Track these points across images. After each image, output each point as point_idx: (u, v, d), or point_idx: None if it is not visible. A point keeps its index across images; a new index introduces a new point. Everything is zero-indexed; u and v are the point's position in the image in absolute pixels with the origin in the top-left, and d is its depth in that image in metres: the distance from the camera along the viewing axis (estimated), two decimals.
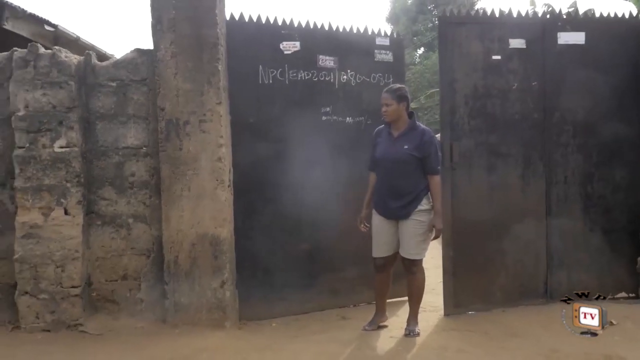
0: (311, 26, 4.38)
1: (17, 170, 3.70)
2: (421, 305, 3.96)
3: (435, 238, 3.81)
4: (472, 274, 4.27)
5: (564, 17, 4.49)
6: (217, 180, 3.75)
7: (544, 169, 4.37)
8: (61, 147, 3.71)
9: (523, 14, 4.42)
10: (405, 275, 3.91)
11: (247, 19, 4.17)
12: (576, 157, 4.41)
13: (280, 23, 4.26)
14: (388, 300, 4.10)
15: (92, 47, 6.23)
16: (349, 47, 4.51)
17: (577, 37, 4.40)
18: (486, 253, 4.30)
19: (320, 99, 4.42)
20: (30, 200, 3.68)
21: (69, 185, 3.71)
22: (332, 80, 4.46)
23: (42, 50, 3.75)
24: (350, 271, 4.51)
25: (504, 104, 4.31)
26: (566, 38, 4.38)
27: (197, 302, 3.77)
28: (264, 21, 4.22)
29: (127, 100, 3.87)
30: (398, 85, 3.89)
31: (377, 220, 3.87)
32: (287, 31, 4.29)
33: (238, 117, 4.07)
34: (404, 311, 4.08)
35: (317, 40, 4.39)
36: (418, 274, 3.81)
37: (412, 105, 15.46)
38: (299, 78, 4.33)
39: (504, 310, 4.22)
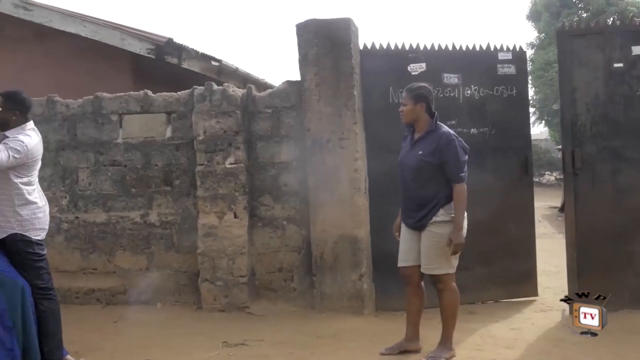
0: (436, 48, 4.86)
1: (198, 183, 4.68)
2: (548, 304, 4.15)
3: (453, 254, 3.43)
4: (598, 275, 4.40)
5: None
6: (354, 188, 4.41)
7: None
8: (231, 164, 4.62)
9: None
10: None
11: (377, 47, 4.78)
12: None
13: (407, 48, 4.80)
14: None
15: (248, 75, 7.28)
16: (472, 63, 4.90)
17: None
18: (612, 255, 4.42)
19: (445, 112, 4.82)
20: (209, 206, 4.64)
21: (237, 194, 4.61)
22: (456, 95, 4.88)
23: (215, 87, 4.70)
24: (477, 269, 4.87)
25: (628, 110, 4.42)
26: None
27: (339, 291, 4.45)
28: (392, 47, 4.79)
29: (280, 124, 4.70)
30: (418, 84, 3.60)
31: (403, 228, 3.64)
32: (413, 54, 4.81)
33: (372, 133, 4.68)
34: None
35: (442, 60, 4.85)
36: (445, 291, 3.47)
37: (554, 106, 14.89)
38: None
39: (630, 311, 4.32)
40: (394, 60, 4.77)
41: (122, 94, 4.96)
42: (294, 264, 4.68)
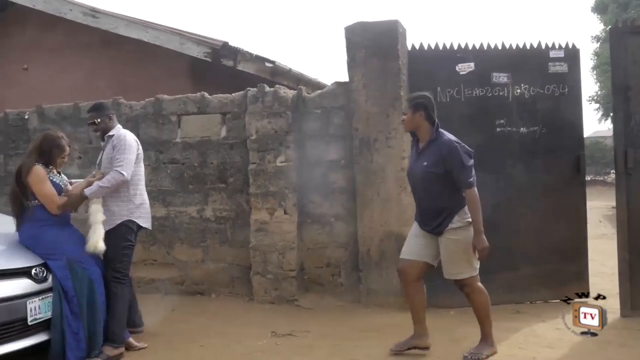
0: (484, 47, 4.87)
1: (251, 180, 4.90)
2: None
3: (482, 258, 3.46)
4: None
5: None
6: (400, 187, 4.50)
7: None
8: (281, 162, 4.81)
9: None
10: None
11: (425, 48, 4.84)
12: None
13: (455, 48, 4.84)
14: None
15: (301, 75, 7.47)
16: (522, 62, 4.87)
17: None
18: None
19: (494, 112, 4.87)
20: (261, 203, 4.85)
21: (287, 191, 4.80)
22: (505, 94, 4.87)
23: (267, 88, 4.90)
24: (525, 269, 4.86)
25: None
26: None
27: (385, 287, 4.55)
28: (440, 48, 4.83)
29: (329, 124, 4.85)
30: (417, 94, 3.56)
31: (415, 225, 3.67)
32: (461, 54, 4.84)
33: None
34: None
35: (491, 59, 4.85)
36: (473, 294, 3.51)
37: None
38: (474, 95, 4.84)
39: None
40: (442, 61, 4.81)
41: (181, 95, 5.25)
42: (341, 260, 4.82)
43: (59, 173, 3.83)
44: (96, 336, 3.55)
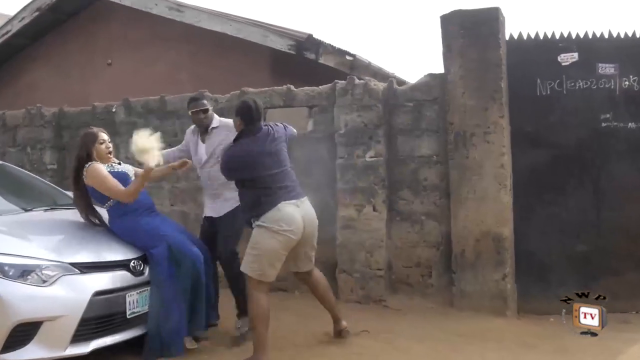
0: (590, 36, 4.55)
1: (338, 175, 4.76)
2: None
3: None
4: None
5: None
6: (499, 184, 4.25)
7: None
8: (371, 157, 4.65)
9: None
10: None
11: (525, 37, 4.56)
12: None
13: (557, 37, 4.54)
14: None
15: (380, 70, 7.26)
16: (632, 52, 4.52)
17: None
18: None
19: (599, 106, 4.54)
20: (348, 199, 4.71)
21: (376, 187, 4.64)
22: (612, 86, 4.54)
23: (357, 81, 4.75)
24: (632, 275, 4.52)
25: None
26: None
27: (481, 290, 4.31)
28: (541, 37, 4.55)
29: (421, 117, 4.64)
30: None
31: None
32: (564, 44, 4.54)
33: (517, 127, 4.48)
34: None
35: (596, 49, 4.53)
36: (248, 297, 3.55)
37: None
38: (576, 87, 4.53)
39: None
40: (542, 51, 4.55)
41: (266, 88, 5.18)
42: (432, 260, 4.61)
43: (119, 163, 3.77)
44: (198, 314, 3.54)
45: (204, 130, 3.92)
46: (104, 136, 3.70)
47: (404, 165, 4.70)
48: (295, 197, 3.46)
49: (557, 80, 4.54)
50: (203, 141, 3.93)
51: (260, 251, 3.36)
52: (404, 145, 4.70)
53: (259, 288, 3.43)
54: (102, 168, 3.57)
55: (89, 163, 3.58)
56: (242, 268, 3.46)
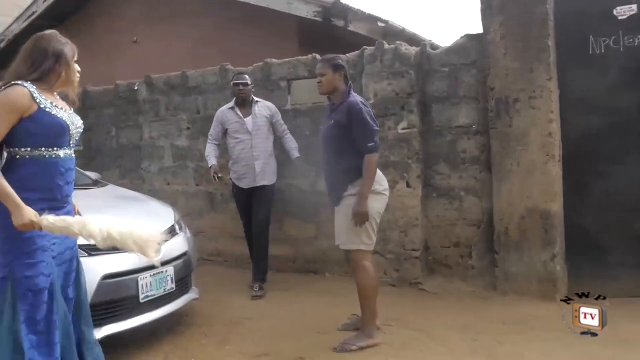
0: None
1: None
2: None
3: (355, 223, 3.19)
4: None
5: None
6: (547, 155, 3.81)
7: None
8: (403, 129, 4.28)
9: None
10: None
11: None
12: None
13: None
14: None
15: (414, 36, 6.80)
16: None
17: None
18: None
19: None
20: None
21: (409, 161, 4.27)
22: None
23: (386, 46, 4.36)
24: None
25: None
26: None
27: (526, 272, 3.92)
28: None
29: (458, 83, 4.22)
30: (331, 55, 3.41)
31: None
32: None
33: (566, 90, 4.02)
34: None
35: None
36: (356, 271, 3.32)
37: None
38: (635, 44, 4.01)
39: None
40: (595, 4, 4.02)
41: (290, 59, 4.86)
42: (472, 239, 4.23)
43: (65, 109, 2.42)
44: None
45: (241, 102, 4.40)
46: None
47: (439, 136, 4.30)
48: None
49: (613, 37, 4.01)
50: (246, 115, 4.39)
51: (370, 217, 3.19)
52: (439, 115, 4.30)
53: (368, 257, 3.29)
54: (26, 98, 2.24)
55: (20, 82, 2.28)
56: (349, 246, 3.26)
